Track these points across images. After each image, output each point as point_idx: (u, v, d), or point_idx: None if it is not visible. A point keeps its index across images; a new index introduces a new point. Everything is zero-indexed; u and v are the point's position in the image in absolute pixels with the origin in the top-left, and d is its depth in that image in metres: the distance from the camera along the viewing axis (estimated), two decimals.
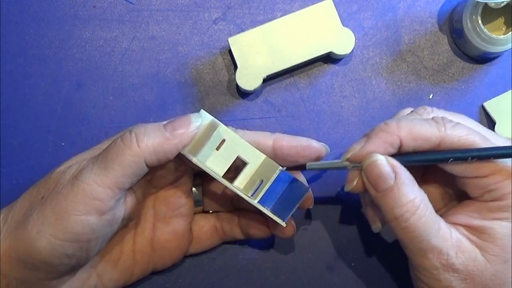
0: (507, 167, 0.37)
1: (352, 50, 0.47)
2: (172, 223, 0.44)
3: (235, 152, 0.41)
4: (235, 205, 0.45)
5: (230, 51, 0.48)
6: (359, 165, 0.38)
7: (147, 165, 0.38)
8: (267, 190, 0.41)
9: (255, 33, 0.47)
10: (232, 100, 0.49)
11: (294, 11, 0.47)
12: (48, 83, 0.49)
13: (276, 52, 0.47)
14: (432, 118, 0.38)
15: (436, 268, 0.36)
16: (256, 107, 0.49)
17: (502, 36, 0.46)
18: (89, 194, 0.36)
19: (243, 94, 0.49)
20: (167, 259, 0.44)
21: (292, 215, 0.42)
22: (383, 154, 0.37)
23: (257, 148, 0.41)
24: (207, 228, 0.45)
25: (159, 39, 0.49)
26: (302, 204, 0.42)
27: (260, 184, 0.41)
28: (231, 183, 0.41)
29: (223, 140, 0.40)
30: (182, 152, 0.39)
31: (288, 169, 0.41)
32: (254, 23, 0.49)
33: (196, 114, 0.40)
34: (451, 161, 0.37)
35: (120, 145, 0.37)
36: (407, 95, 0.49)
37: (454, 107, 0.49)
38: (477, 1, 0.46)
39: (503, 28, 0.48)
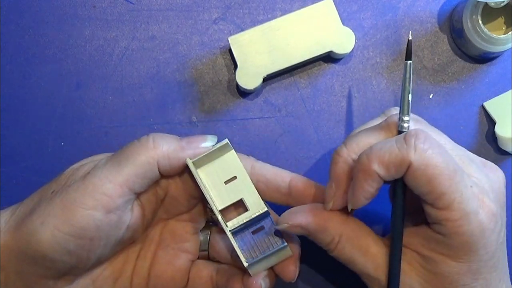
0: (465, 207, 0.34)
1: (352, 49, 0.47)
2: (173, 255, 0.43)
3: (241, 194, 0.40)
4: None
5: (230, 51, 0.48)
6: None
7: (159, 170, 0.38)
8: (243, 223, 0.40)
9: (255, 33, 0.47)
10: (232, 100, 0.49)
11: (294, 11, 0.47)
12: (48, 83, 0.49)
13: (276, 52, 0.47)
14: (405, 138, 0.35)
15: None
16: (256, 107, 0.49)
17: (502, 36, 0.46)
18: (99, 189, 0.37)
19: (243, 93, 0.49)
20: None
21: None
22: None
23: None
24: (203, 274, 0.44)
25: (159, 39, 0.49)
26: (282, 271, 0.41)
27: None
28: (225, 221, 0.40)
29: (235, 177, 0.40)
30: (188, 163, 0.39)
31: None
32: (254, 23, 0.49)
33: (213, 135, 0.41)
34: None
35: (136, 145, 0.39)
36: None
37: (454, 107, 0.49)
38: (477, 1, 0.46)
39: (503, 28, 0.48)
